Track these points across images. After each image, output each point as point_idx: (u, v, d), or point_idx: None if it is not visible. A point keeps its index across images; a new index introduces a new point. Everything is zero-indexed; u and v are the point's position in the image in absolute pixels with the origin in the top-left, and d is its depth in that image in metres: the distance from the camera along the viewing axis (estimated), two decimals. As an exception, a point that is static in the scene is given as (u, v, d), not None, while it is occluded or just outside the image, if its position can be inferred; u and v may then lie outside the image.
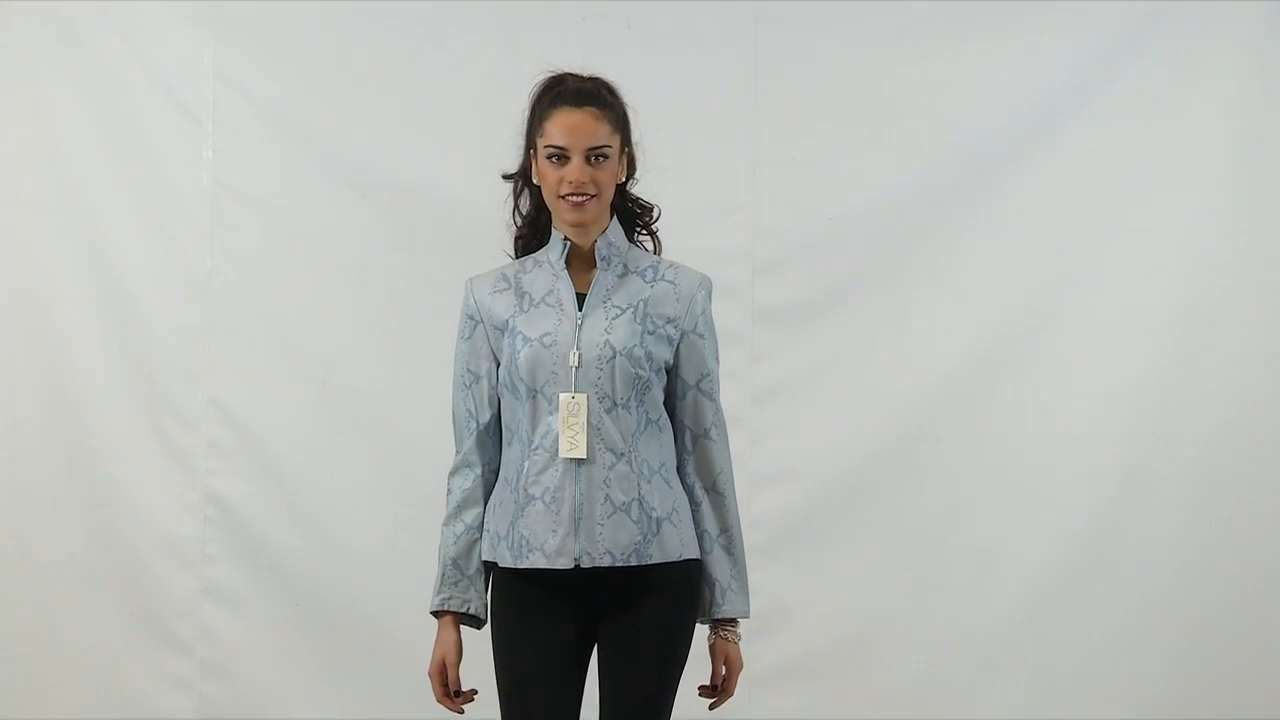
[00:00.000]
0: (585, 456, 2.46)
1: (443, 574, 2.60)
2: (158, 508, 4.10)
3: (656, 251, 2.66)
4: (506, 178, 2.65)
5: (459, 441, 2.62)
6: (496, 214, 4.02)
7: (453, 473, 2.62)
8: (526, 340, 2.52)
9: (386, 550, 4.07)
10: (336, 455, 4.08)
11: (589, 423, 2.47)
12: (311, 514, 4.08)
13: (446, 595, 2.59)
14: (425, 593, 4.03)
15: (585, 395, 2.47)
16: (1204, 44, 3.95)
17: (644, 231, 2.65)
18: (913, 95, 4.01)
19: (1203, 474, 3.94)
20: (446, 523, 2.62)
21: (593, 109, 2.50)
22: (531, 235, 2.64)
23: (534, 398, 2.50)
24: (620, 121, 2.55)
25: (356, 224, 4.10)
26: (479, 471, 2.60)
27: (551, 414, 2.49)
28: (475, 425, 2.59)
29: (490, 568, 2.60)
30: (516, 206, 2.65)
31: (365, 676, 4.08)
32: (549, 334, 2.51)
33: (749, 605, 2.60)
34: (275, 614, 4.09)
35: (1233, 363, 3.94)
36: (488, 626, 2.60)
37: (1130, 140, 3.97)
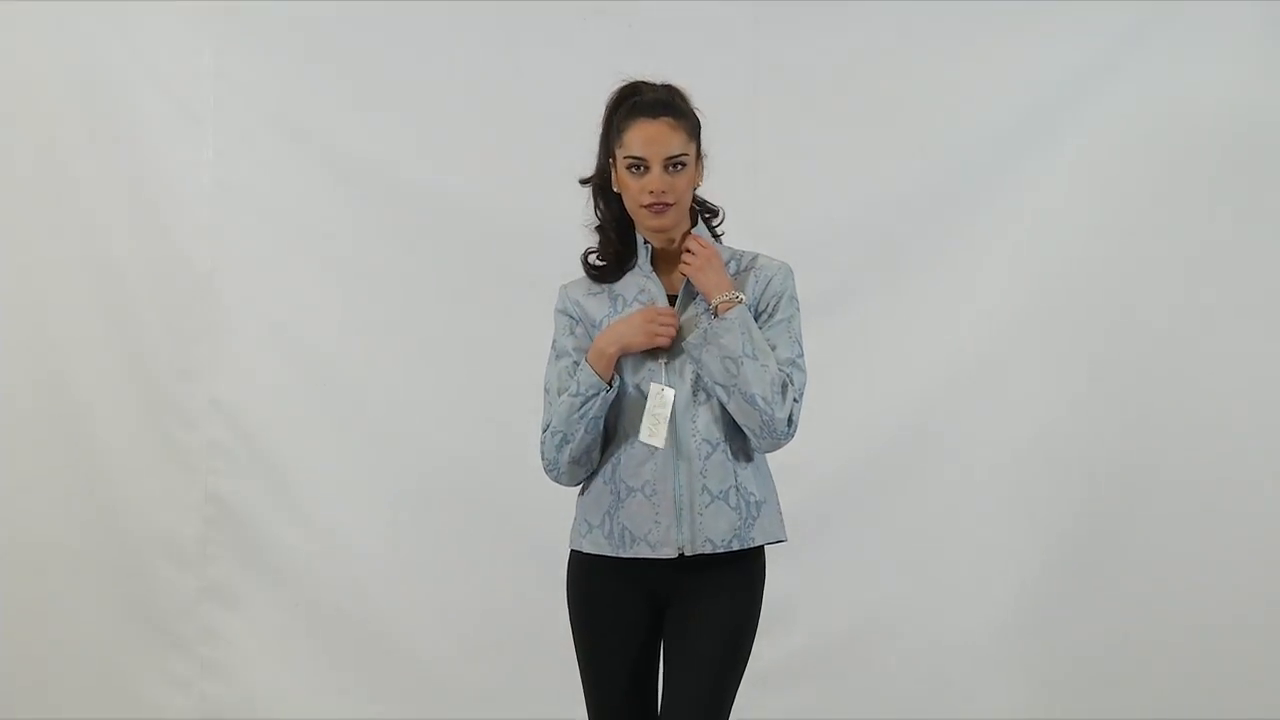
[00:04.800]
0: (662, 445, 2.55)
1: (566, 394, 2.59)
2: (158, 508, 4.10)
3: None
4: (584, 182, 2.71)
5: (546, 413, 2.65)
6: (496, 213, 4.07)
7: (544, 430, 2.64)
8: None
9: (386, 550, 4.07)
10: (336, 455, 4.08)
11: (677, 415, 2.57)
12: (311, 514, 4.08)
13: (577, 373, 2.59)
14: (425, 592, 4.08)
15: (674, 391, 2.56)
16: (1204, 44, 3.95)
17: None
18: (913, 95, 4.01)
19: (1203, 472, 3.94)
20: (544, 435, 2.64)
21: (669, 119, 2.59)
22: (620, 240, 2.69)
23: (630, 393, 2.60)
24: (694, 129, 2.64)
25: (356, 224, 4.09)
26: None
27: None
28: None
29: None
30: (597, 207, 2.70)
31: (365, 676, 4.08)
32: None
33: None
34: (275, 614, 4.09)
35: (1233, 362, 3.95)
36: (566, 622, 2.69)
37: (1130, 140, 3.97)
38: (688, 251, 2.61)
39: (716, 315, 2.56)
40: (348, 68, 4.11)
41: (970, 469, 4.00)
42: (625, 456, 2.59)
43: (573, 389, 2.57)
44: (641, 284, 2.65)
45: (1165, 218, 3.97)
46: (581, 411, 2.56)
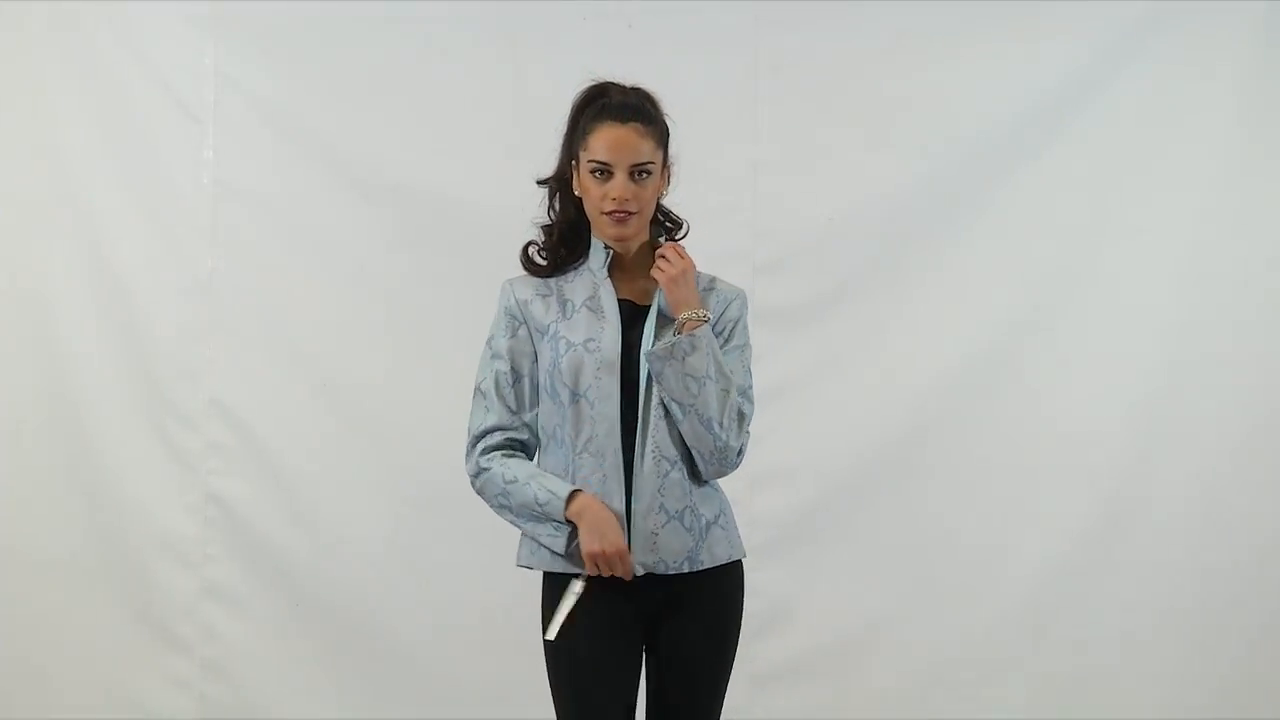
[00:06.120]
0: (552, 638, 2.49)
1: (541, 484, 2.51)
2: (158, 508, 4.10)
3: None
4: (541, 183, 2.65)
5: (481, 416, 2.59)
6: (496, 214, 4.06)
7: (480, 437, 2.58)
8: (570, 345, 2.53)
9: (386, 550, 4.07)
10: (336, 455, 4.08)
11: (636, 428, 2.50)
12: (311, 514, 4.08)
13: (556, 487, 2.50)
14: (425, 592, 4.07)
15: (582, 584, 2.48)
16: (1204, 44, 3.95)
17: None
18: (913, 96, 4.01)
19: (1203, 473, 3.94)
20: (494, 462, 2.56)
21: (637, 125, 2.51)
22: (575, 240, 2.62)
23: (576, 402, 2.52)
24: (662, 137, 2.56)
25: (356, 224, 4.09)
26: (521, 441, 2.60)
27: (594, 418, 2.50)
28: (518, 422, 2.58)
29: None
30: (552, 207, 2.64)
31: (365, 676, 4.08)
32: (592, 339, 2.53)
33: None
34: (275, 614, 4.08)
35: (1233, 362, 3.95)
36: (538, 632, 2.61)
37: (1130, 140, 3.97)
38: (662, 258, 2.53)
39: (680, 331, 2.49)
40: (348, 68, 4.11)
41: (970, 470, 3.99)
42: (572, 467, 2.52)
43: (542, 497, 2.48)
44: (592, 289, 2.57)
45: (1165, 217, 3.96)
46: (535, 518, 2.50)
